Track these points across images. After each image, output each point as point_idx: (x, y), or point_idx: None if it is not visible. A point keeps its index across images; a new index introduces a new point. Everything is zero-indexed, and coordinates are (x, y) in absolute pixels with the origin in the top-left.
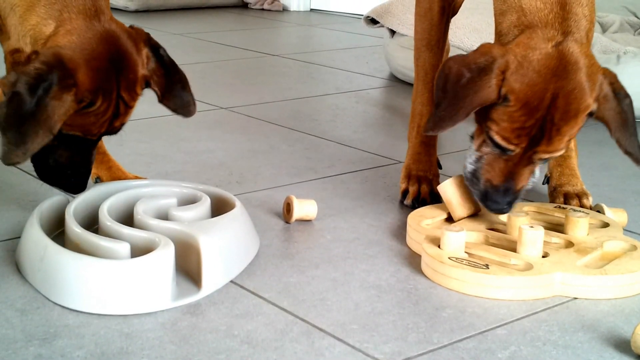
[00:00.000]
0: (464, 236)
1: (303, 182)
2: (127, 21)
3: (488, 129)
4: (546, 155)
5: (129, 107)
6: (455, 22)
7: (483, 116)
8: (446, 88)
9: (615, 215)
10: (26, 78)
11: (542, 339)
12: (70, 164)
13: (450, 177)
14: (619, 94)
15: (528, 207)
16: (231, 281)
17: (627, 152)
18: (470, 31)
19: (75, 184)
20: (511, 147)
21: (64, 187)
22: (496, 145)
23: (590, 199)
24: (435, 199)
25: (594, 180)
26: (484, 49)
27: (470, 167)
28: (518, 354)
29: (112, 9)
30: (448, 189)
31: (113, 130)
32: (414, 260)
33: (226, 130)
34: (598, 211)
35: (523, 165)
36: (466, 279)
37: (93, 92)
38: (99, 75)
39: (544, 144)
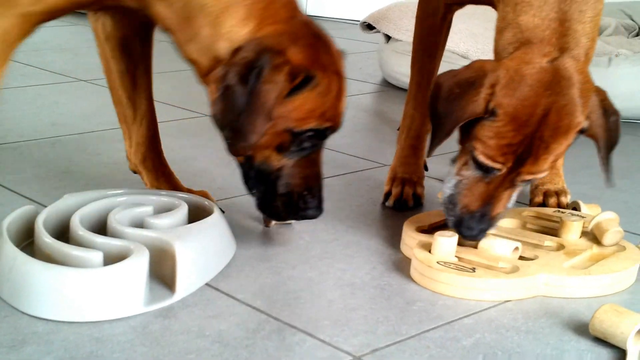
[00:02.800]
0: (456, 241)
1: None
2: None
3: (473, 149)
4: (529, 177)
5: None
6: (452, 27)
7: (468, 136)
8: (437, 107)
9: (590, 211)
10: (236, 68)
11: (506, 326)
12: (303, 181)
13: (436, 179)
14: (608, 111)
15: (527, 211)
16: (206, 284)
17: (603, 170)
18: (466, 36)
19: (312, 206)
20: (497, 165)
21: (303, 213)
22: (480, 166)
23: (569, 196)
24: (417, 201)
25: (575, 179)
26: (476, 64)
27: (447, 193)
28: (482, 341)
29: None
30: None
31: None
32: (389, 259)
33: (209, 138)
34: (574, 208)
35: (504, 189)
36: (453, 282)
37: (308, 66)
38: (310, 49)
39: (530, 163)
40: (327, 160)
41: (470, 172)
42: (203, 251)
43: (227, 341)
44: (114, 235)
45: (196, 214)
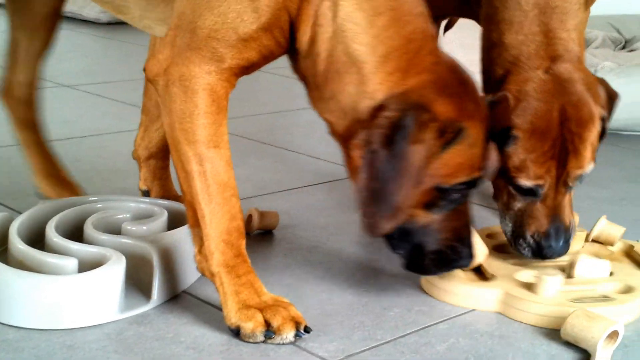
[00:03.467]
0: (560, 280)
1: (268, 194)
2: (99, 34)
3: (512, 179)
4: (579, 171)
5: None
6: (443, 38)
7: (500, 175)
8: None
9: None
10: (379, 130)
11: (480, 331)
12: (453, 234)
13: None
14: (611, 96)
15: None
16: (183, 290)
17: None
18: (457, 46)
19: (464, 255)
20: (541, 181)
21: (454, 264)
22: (527, 191)
23: None
24: None
25: None
26: None
27: (508, 230)
28: (455, 346)
29: (83, 20)
30: None
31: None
32: (369, 265)
33: None
34: None
35: (562, 195)
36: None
37: (456, 118)
38: (456, 99)
39: (573, 158)
40: (308, 167)
41: (520, 202)
42: (181, 258)
43: (201, 347)
44: (90, 242)
45: (177, 221)
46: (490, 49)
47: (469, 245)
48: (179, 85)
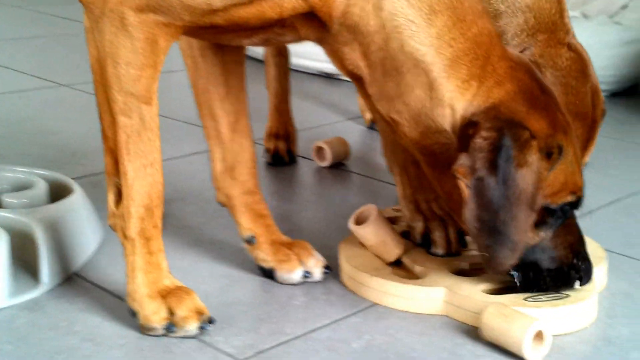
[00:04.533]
0: (604, 270)
1: None
2: None
3: None
4: (587, 159)
5: None
6: None
7: None
8: None
9: None
10: (482, 154)
11: (395, 326)
12: (569, 250)
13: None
14: None
15: None
16: (74, 273)
17: None
18: None
19: (585, 272)
20: None
21: (573, 281)
22: None
23: None
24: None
25: None
26: None
27: None
28: (372, 343)
29: None
30: (374, 229)
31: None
32: None
33: (70, 109)
34: None
35: None
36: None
37: (554, 134)
38: (547, 111)
39: (590, 147)
40: (188, 136)
41: None
42: (68, 235)
43: (99, 339)
44: None
45: (57, 194)
46: (506, 14)
47: (586, 259)
48: (119, 26)
